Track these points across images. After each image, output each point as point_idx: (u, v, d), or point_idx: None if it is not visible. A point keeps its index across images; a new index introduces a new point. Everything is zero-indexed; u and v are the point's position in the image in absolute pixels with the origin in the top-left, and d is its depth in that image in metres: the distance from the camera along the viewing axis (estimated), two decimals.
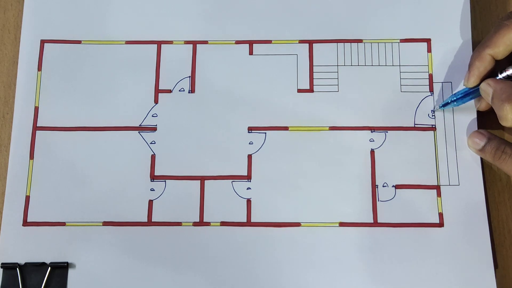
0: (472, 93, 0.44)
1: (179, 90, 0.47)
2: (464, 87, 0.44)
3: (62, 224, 0.44)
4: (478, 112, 0.45)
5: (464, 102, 0.44)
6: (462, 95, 0.44)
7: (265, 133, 0.46)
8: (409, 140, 0.45)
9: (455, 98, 0.44)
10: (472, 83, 0.43)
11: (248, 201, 0.45)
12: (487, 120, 0.45)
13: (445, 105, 0.45)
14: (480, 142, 0.43)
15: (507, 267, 0.44)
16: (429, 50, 0.47)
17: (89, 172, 0.45)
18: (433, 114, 0.46)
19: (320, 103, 0.46)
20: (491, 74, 0.43)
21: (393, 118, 0.46)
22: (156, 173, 0.45)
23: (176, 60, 0.47)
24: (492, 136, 0.43)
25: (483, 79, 0.43)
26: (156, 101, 0.47)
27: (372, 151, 0.45)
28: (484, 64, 0.42)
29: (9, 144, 0.46)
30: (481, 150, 0.43)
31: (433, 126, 0.45)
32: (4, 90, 0.47)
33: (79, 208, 0.45)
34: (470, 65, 0.43)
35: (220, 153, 0.46)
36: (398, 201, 0.44)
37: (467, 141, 0.44)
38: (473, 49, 0.46)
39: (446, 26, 0.47)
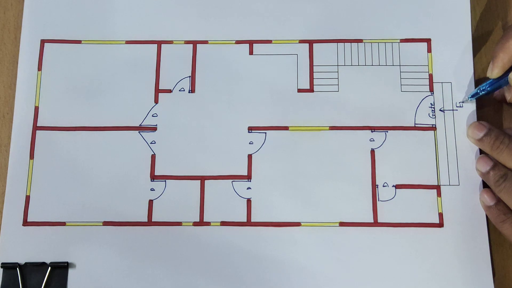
0: (500, 83, 0.44)
1: (179, 90, 0.47)
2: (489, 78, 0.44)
3: (62, 224, 0.44)
4: (479, 112, 0.45)
5: (492, 92, 0.44)
6: (490, 85, 0.44)
7: (265, 133, 0.46)
8: (409, 140, 0.45)
9: (483, 88, 0.44)
10: (496, 74, 0.43)
11: (248, 201, 0.45)
12: (487, 120, 0.45)
13: (474, 95, 0.45)
14: (480, 132, 0.43)
15: (505, 267, 0.44)
16: (429, 50, 0.47)
17: (89, 172, 0.45)
18: (462, 104, 0.46)
19: (320, 103, 0.46)
20: None
21: (393, 118, 0.46)
22: (156, 173, 0.45)
23: (176, 60, 0.47)
24: (492, 128, 0.43)
25: (507, 70, 0.43)
26: (156, 101, 0.47)
27: (372, 151, 0.45)
28: (508, 55, 0.42)
29: (9, 144, 0.46)
30: (480, 140, 0.43)
31: (434, 126, 0.45)
32: (4, 90, 0.47)
33: (79, 208, 0.45)
34: (494, 57, 0.43)
35: (220, 153, 0.46)
36: (398, 201, 0.44)
37: (467, 131, 0.44)
38: (473, 49, 0.46)
39: (446, 26, 0.47)
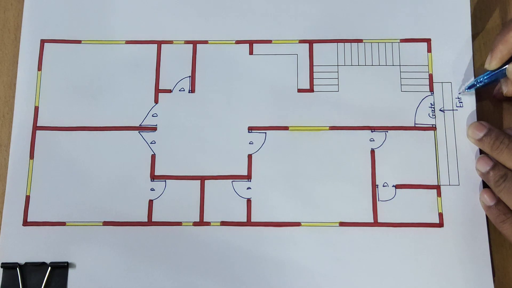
0: (497, 75, 0.44)
1: (179, 90, 0.47)
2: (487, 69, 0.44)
3: (62, 224, 0.44)
4: (479, 112, 0.45)
5: (489, 84, 0.44)
6: (487, 77, 0.44)
7: (265, 133, 0.46)
8: (409, 140, 0.45)
9: (481, 80, 0.44)
10: (494, 65, 0.43)
11: (248, 201, 0.45)
12: (487, 120, 0.45)
13: (470, 87, 0.45)
14: (480, 132, 0.43)
15: (505, 267, 0.44)
16: (429, 50, 0.47)
17: (89, 172, 0.45)
18: (458, 98, 0.46)
19: (320, 103, 0.46)
20: None
21: (393, 118, 0.46)
22: (156, 173, 0.45)
23: (176, 60, 0.47)
24: (492, 128, 0.43)
25: (505, 62, 0.43)
26: (156, 101, 0.47)
27: (372, 151, 0.45)
28: (507, 47, 0.42)
29: (9, 144, 0.46)
30: (480, 140, 0.43)
31: (433, 126, 0.46)
32: (4, 90, 0.47)
33: (79, 208, 0.45)
34: (494, 48, 0.43)
35: (220, 153, 0.46)
36: (398, 201, 0.44)
37: (467, 131, 0.45)
38: (473, 48, 0.46)
39: (446, 26, 0.47)
